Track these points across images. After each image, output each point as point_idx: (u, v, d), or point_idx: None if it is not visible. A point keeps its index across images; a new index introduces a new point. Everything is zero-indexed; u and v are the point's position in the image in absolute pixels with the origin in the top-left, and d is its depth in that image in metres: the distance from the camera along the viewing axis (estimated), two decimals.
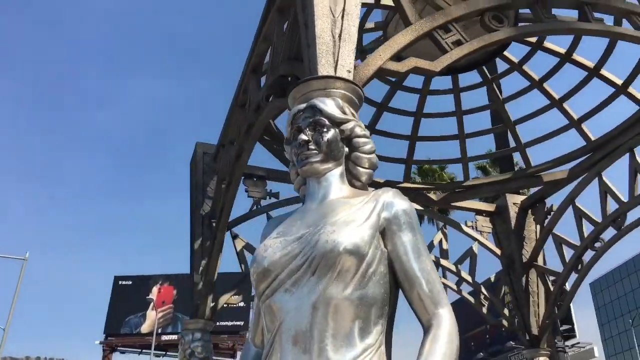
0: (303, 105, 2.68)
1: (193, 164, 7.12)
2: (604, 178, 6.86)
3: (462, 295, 7.79)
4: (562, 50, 6.66)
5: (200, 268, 6.49)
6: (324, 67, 2.85)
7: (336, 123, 2.61)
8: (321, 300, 2.20)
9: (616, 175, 6.93)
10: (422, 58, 3.49)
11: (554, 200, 7.67)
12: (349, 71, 2.86)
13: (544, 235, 7.68)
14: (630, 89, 6.43)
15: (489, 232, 8.10)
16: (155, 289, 42.60)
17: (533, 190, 7.91)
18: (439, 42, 3.26)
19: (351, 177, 2.65)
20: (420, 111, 7.27)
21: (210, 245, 6.31)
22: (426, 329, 2.29)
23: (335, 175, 2.60)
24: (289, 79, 4.09)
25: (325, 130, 2.59)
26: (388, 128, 7.49)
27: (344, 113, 2.66)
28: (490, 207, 8.20)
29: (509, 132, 8.54)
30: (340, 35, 2.93)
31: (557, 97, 7.02)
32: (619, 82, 6.50)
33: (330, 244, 2.26)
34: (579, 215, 7.19)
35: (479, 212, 8.14)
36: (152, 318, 39.63)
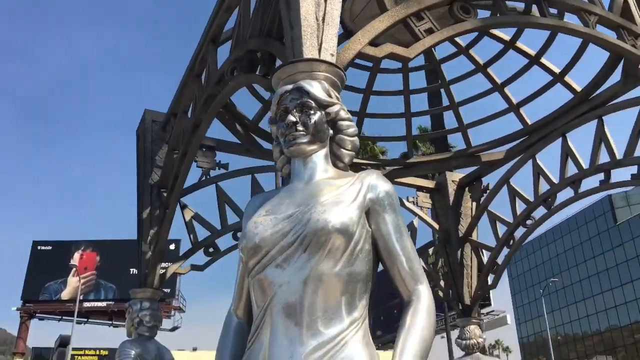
0: (290, 87, 2.76)
1: (141, 132, 6.98)
2: (538, 160, 7.32)
3: None
4: (507, 38, 6.98)
5: (149, 237, 6.45)
6: (309, 50, 2.92)
7: (322, 106, 2.72)
8: (312, 276, 2.34)
9: (549, 158, 7.42)
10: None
11: (490, 180, 8.12)
12: (332, 55, 2.95)
13: (480, 212, 8.13)
14: (567, 78, 6.85)
15: (429, 208, 8.48)
16: (77, 255, 41.38)
17: (471, 169, 8.30)
18: (412, 29, 3.39)
19: (334, 159, 2.78)
20: (370, 89, 7.44)
21: (161, 215, 6.27)
22: (406, 303, 2.48)
23: (320, 157, 2.72)
24: (258, 54, 4.11)
25: (312, 112, 2.69)
26: None
27: (330, 96, 2.76)
28: (430, 183, 8.56)
29: (443, 114, 8.95)
30: (323, 19, 3.00)
31: (499, 81, 7.38)
32: (557, 70, 6.92)
33: (322, 222, 2.39)
34: (513, 194, 7.66)
35: (419, 188, 8.50)
36: (73, 284, 38.58)
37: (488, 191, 8.06)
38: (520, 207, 7.51)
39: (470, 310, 7.91)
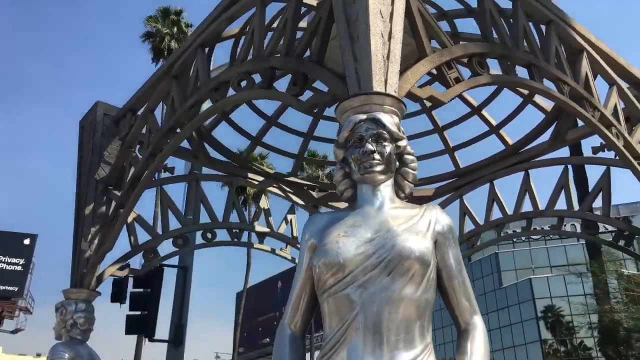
0: (364, 116, 2.94)
1: (89, 124, 6.62)
2: (465, 201, 7.98)
3: None
4: None
5: (90, 235, 6.11)
6: (378, 84, 3.10)
7: (394, 139, 2.92)
8: (396, 299, 2.51)
9: (475, 200, 8.10)
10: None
11: None
12: (395, 91, 3.16)
13: None
14: (502, 132, 7.58)
15: None
16: None
17: None
18: (444, 76, 3.70)
19: (397, 189, 2.98)
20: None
21: (113, 214, 5.98)
22: (463, 331, 2.74)
23: (388, 186, 2.91)
24: (277, 72, 4.18)
25: (386, 143, 2.88)
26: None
27: (399, 130, 2.97)
28: None
29: None
30: (388, 56, 3.21)
31: (440, 124, 7.97)
32: (494, 123, 7.63)
33: (407, 250, 2.58)
34: None
35: None
36: None
37: None
38: None
39: None
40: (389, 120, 2.94)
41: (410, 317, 2.53)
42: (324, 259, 2.65)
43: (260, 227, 7.79)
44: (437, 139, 8.04)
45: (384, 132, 2.89)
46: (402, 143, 2.95)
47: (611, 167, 6.74)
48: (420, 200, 8.49)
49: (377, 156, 2.84)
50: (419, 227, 2.72)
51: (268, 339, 47.10)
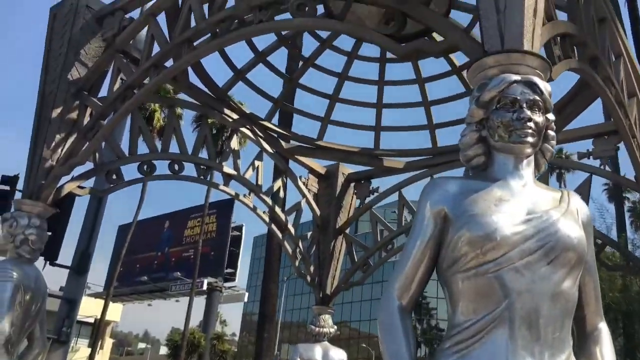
0: (518, 77, 2.59)
1: (67, 14, 5.64)
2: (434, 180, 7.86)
3: (285, 246, 8.00)
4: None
5: (54, 143, 5.24)
6: (528, 43, 2.75)
7: (547, 109, 2.60)
8: (557, 292, 2.24)
9: None
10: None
11: (382, 183, 8.47)
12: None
13: (361, 212, 8.42)
14: None
15: (315, 192, 8.47)
16: None
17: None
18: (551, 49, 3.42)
19: (533, 165, 2.66)
20: (345, 74, 7.32)
21: (89, 125, 5.15)
22: (589, 333, 2.53)
23: (531, 161, 2.61)
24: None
25: (540, 113, 2.55)
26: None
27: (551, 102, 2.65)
28: (322, 169, 8.57)
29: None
30: (535, 12, 2.86)
31: (429, 99, 7.76)
32: None
33: (571, 239, 2.31)
34: (402, 203, 8.11)
35: (312, 171, 8.45)
36: None
37: (375, 194, 8.38)
38: (409, 216, 7.99)
39: (328, 300, 8.12)
40: (546, 87, 2.60)
41: (565, 314, 2.27)
42: (472, 233, 2.29)
43: (227, 168, 7.21)
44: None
45: (540, 100, 2.55)
46: (551, 116, 2.63)
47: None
48: (390, 172, 8.31)
49: (533, 125, 2.50)
50: (573, 215, 2.45)
51: (146, 277, 45.90)
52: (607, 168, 6.32)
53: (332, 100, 7.72)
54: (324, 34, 7.25)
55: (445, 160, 7.83)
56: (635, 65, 5.65)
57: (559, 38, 3.54)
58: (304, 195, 8.14)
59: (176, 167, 6.55)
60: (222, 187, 7.18)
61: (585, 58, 4.15)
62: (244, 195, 7.43)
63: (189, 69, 6.44)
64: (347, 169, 8.63)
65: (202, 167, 6.84)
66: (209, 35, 4.78)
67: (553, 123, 2.65)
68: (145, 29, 5.23)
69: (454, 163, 7.73)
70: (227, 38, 4.37)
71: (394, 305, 2.43)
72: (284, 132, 7.87)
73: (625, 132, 5.03)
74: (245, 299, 48.29)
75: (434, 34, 5.94)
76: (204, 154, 6.96)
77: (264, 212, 7.68)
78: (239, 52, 7.10)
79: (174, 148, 6.54)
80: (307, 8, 3.78)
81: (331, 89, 7.72)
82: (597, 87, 4.29)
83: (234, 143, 7.38)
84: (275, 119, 8.13)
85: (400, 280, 2.47)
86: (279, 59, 18.52)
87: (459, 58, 7.17)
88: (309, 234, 8.36)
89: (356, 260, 8.23)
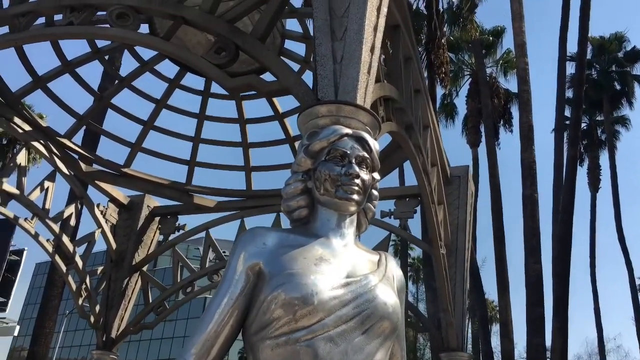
0: (350, 131, 2.47)
1: None
2: (245, 224, 7.65)
3: (68, 280, 7.05)
4: None
5: None
6: (361, 98, 2.67)
7: (374, 169, 2.51)
8: None
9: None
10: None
11: (189, 220, 8.01)
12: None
13: (164, 248, 7.85)
14: None
15: (113, 224, 7.70)
16: None
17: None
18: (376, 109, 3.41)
19: (355, 224, 2.53)
20: (165, 101, 6.80)
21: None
22: None
23: (354, 220, 2.49)
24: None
25: (368, 171, 2.46)
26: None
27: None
28: (125, 199, 7.84)
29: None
30: (369, 70, 2.81)
31: (249, 141, 7.60)
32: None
33: (388, 308, 2.21)
34: (209, 244, 7.72)
35: (113, 200, 7.69)
36: None
37: (181, 231, 7.88)
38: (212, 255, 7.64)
39: (112, 345, 7.31)
40: (375, 145, 2.51)
41: None
42: (287, 294, 2.04)
43: (8, 185, 6.20)
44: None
45: (369, 158, 2.45)
46: (377, 176, 2.53)
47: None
48: (200, 209, 7.88)
49: (360, 182, 2.37)
50: (389, 280, 2.34)
51: None
52: (408, 229, 6.69)
53: (146, 127, 7.16)
54: (147, 55, 6.76)
55: (258, 205, 7.68)
56: (439, 138, 6.09)
57: (383, 100, 3.56)
58: (99, 226, 7.34)
59: None
60: None
61: (402, 124, 4.29)
62: (25, 219, 6.44)
63: None
64: (154, 201, 8.02)
65: None
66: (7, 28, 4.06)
67: (377, 183, 2.56)
68: None
69: (267, 208, 7.64)
70: (26, 35, 3.71)
71: None
72: (86, 154, 7.05)
73: (427, 197, 5.32)
74: (16, 333, 42.70)
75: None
76: None
77: (47, 240, 6.73)
78: (46, 58, 6.26)
79: None
80: (130, 20, 3.35)
81: (147, 115, 7.17)
82: (409, 152, 4.45)
83: (21, 158, 6.40)
84: (79, 139, 7.30)
85: (198, 344, 2.10)
86: (93, 75, 17.15)
87: (282, 104, 7.16)
88: (100, 268, 7.51)
89: (150, 300, 7.57)
